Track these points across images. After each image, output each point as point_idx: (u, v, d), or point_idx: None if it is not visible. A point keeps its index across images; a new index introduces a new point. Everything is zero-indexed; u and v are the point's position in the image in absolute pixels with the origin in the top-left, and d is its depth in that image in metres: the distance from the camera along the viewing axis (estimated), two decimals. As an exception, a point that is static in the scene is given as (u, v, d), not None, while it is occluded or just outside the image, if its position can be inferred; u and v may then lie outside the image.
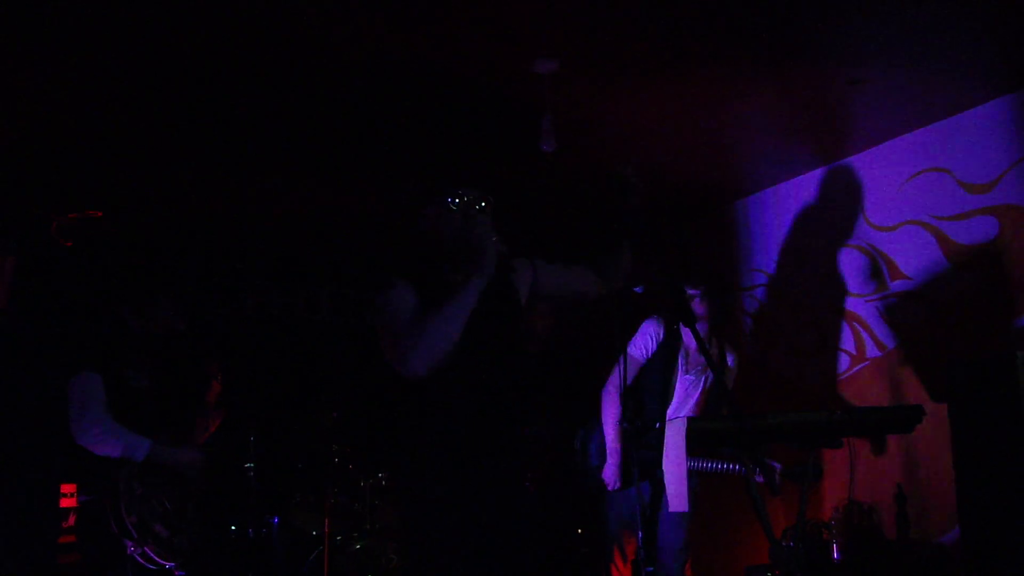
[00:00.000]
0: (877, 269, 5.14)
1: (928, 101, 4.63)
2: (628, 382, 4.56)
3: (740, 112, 4.68)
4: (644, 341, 4.62)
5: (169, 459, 4.12)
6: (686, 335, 4.63)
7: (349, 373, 6.80)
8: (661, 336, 4.60)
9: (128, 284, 4.38)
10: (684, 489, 4.17)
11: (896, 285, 5.05)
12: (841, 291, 5.35)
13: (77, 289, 5.61)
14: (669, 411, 4.63)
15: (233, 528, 5.62)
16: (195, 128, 4.75)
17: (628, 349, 4.60)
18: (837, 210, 5.41)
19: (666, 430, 4.35)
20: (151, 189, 5.62)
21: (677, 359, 4.63)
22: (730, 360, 4.79)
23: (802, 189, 5.65)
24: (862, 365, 5.20)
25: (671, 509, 4.25)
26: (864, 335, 5.19)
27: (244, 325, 7.00)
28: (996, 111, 4.59)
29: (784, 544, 4.76)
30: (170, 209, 6.01)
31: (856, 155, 5.30)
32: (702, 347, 2.97)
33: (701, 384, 4.67)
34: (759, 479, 3.65)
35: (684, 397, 4.67)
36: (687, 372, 4.68)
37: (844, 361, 5.30)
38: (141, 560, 3.91)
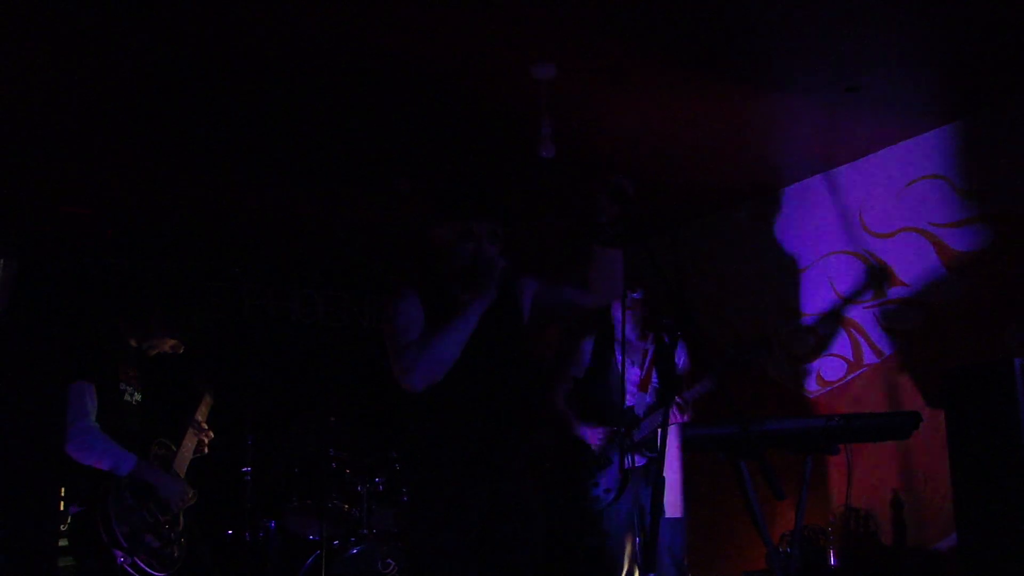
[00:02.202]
0: (875, 276, 5.15)
1: (926, 108, 4.64)
2: (574, 393, 4.85)
3: (739, 118, 4.69)
4: (579, 359, 4.87)
5: (154, 481, 4.09)
6: (624, 330, 4.78)
7: (347, 377, 6.80)
8: (590, 348, 4.85)
9: (125, 295, 4.38)
10: (678, 494, 4.18)
11: (894, 292, 5.06)
12: (839, 297, 5.36)
13: (76, 297, 5.61)
14: (627, 400, 4.78)
15: (230, 532, 5.61)
16: (195, 132, 4.76)
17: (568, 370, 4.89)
18: (835, 216, 5.42)
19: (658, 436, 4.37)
20: (150, 193, 5.62)
21: (612, 357, 4.80)
22: (680, 357, 4.86)
23: (800, 195, 5.66)
24: (859, 371, 5.21)
25: (665, 515, 4.26)
26: (861, 341, 5.20)
27: (241, 329, 7.00)
28: (994, 118, 4.61)
29: (781, 550, 4.78)
30: (166, 213, 6.01)
31: (854, 162, 5.31)
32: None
33: (643, 368, 4.77)
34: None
35: (632, 385, 4.80)
36: (632, 364, 4.81)
37: (841, 367, 5.31)
38: (131, 571, 3.89)
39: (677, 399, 4.50)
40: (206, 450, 4.49)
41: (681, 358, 4.86)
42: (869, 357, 5.16)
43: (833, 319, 5.35)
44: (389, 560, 5.29)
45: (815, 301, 5.51)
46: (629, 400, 4.75)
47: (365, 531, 5.36)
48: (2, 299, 2.80)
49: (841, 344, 5.31)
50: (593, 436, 4.66)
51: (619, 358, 4.82)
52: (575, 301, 3.09)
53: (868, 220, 5.23)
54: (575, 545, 5.37)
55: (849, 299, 5.27)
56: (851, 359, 5.25)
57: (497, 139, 4.85)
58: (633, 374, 4.80)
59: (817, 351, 5.45)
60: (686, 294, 6.01)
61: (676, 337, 4.51)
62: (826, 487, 5.19)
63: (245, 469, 5.54)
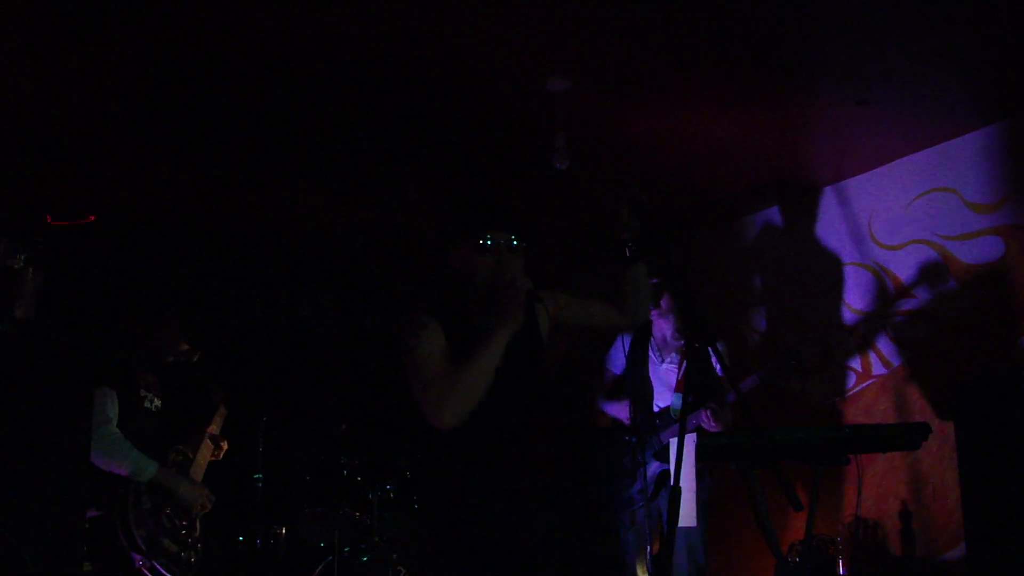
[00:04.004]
0: (884, 287, 5.18)
1: (935, 122, 4.67)
2: (610, 391, 4.90)
3: (750, 130, 4.72)
4: (616, 356, 4.93)
5: (174, 486, 4.13)
6: (658, 328, 4.86)
7: (358, 385, 6.82)
8: (627, 346, 4.86)
9: (141, 301, 4.41)
10: (692, 504, 4.20)
11: (902, 303, 5.08)
12: (848, 308, 5.38)
13: (97, 304, 5.65)
14: (655, 399, 4.82)
15: (241, 539, 5.64)
16: (208, 139, 4.80)
17: (607, 365, 4.97)
18: (844, 228, 5.44)
19: (671, 444, 4.40)
20: (163, 200, 5.66)
21: (647, 356, 4.86)
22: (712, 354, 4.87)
23: (810, 206, 5.69)
24: (868, 382, 5.23)
25: (680, 524, 4.27)
26: (870, 352, 5.22)
27: (252, 335, 7.02)
28: (1003, 132, 4.64)
29: (790, 560, 4.80)
30: (177, 220, 6.05)
31: (864, 174, 5.33)
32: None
33: (680, 369, 4.81)
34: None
35: (664, 386, 4.83)
36: (662, 362, 4.85)
37: (850, 378, 5.33)
38: (149, 574, 3.92)
39: (712, 404, 4.50)
40: (220, 455, 4.54)
41: (715, 361, 4.87)
42: (878, 368, 5.18)
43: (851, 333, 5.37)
44: (400, 568, 5.31)
45: (823, 312, 5.53)
46: (667, 400, 4.79)
47: (376, 538, 5.38)
48: (29, 308, 2.84)
49: (850, 354, 5.33)
50: (621, 411, 4.71)
51: (653, 359, 4.86)
52: (606, 322, 3.04)
53: (877, 232, 5.26)
54: (590, 553, 5.39)
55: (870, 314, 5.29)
56: (860, 370, 5.28)
57: (512, 150, 4.89)
58: (670, 374, 4.83)
59: (826, 361, 5.48)
60: (700, 304, 6.01)
61: (696, 345, 4.57)
62: (835, 497, 5.20)
63: (256, 476, 5.58)
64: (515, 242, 2.80)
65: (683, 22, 3.68)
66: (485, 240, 2.77)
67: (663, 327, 4.82)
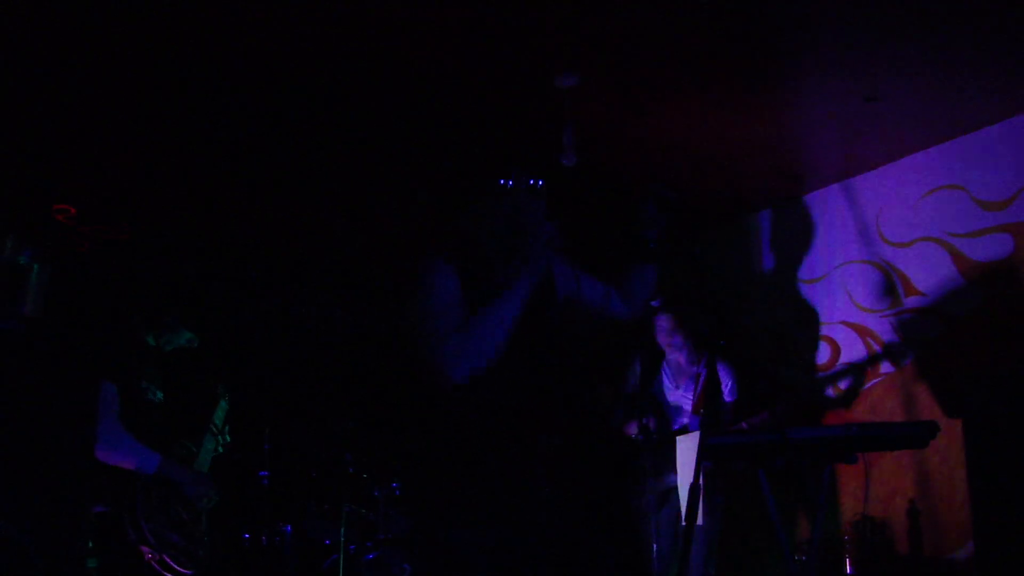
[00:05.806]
0: (892, 285, 5.16)
1: (944, 119, 4.66)
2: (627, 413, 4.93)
3: (758, 127, 4.71)
4: (630, 377, 4.95)
5: (179, 478, 4.13)
6: (672, 353, 4.90)
7: (364, 382, 6.83)
8: (639, 368, 4.89)
9: (143, 296, 4.41)
10: (701, 503, 4.20)
11: (911, 301, 5.07)
12: (856, 306, 5.37)
13: (96, 299, 5.65)
14: (680, 421, 4.85)
15: (247, 536, 5.64)
16: (216, 140, 4.80)
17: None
18: (852, 225, 5.43)
19: (679, 444, 4.40)
20: (170, 199, 5.67)
21: (660, 379, 4.92)
22: (724, 376, 4.90)
23: (818, 203, 5.67)
24: (876, 380, 5.22)
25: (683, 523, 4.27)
26: (878, 350, 5.21)
27: (259, 333, 7.02)
28: (1012, 129, 4.62)
29: (797, 558, 4.79)
30: (185, 218, 6.05)
31: (872, 171, 5.31)
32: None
33: (695, 392, 4.84)
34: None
35: (679, 409, 4.89)
36: (677, 387, 4.90)
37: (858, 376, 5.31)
38: (159, 567, 3.91)
39: (743, 425, 4.57)
40: (221, 449, 4.52)
41: (727, 384, 4.89)
42: (886, 366, 5.17)
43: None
44: (405, 565, 5.31)
45: (832, 310, 5.52)
46: (682, 421, 4.81)
47: (381, 536, 5.39)
48: (37, 305, 2.84)
49: (858, 352, 5.32)
50: (631, 428, 4.75)
51: (665, 382, 4.87)
52: (605, 307, 2.92)
53: (885, 229, 5.24)
54: (607, 553, 5.39)
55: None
56: (868, 367, 5.26)
57: (520, 147, 4.88)
58: (684, 400, 4.87)
59: (834, 359, 5.47)
60: (717, 305, 5.99)
61: (717, 349, 4.59)
62: (842, 496, 5.19)
63: (262, 473, 5.58)
64: (536, 183, 2.63)
65: (691, 18, 3.67)
66: (504, 181, 2.61)
67: (677, 355, 4.84)
